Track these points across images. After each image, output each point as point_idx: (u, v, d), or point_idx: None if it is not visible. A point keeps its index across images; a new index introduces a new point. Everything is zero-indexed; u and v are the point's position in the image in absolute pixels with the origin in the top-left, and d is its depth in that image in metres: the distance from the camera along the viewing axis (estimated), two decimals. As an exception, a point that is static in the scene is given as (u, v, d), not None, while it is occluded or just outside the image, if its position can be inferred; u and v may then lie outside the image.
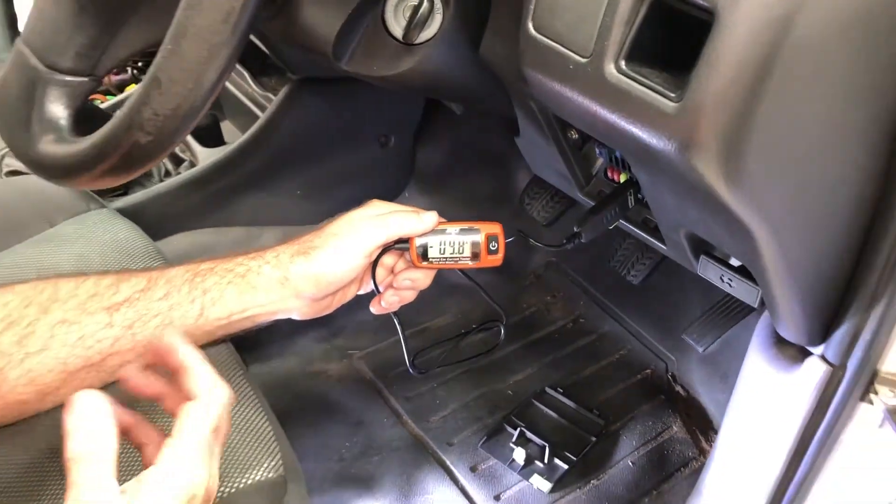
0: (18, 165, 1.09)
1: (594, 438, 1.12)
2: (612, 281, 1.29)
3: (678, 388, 1.20)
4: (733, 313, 1.09)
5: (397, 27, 0.66)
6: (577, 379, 1.23)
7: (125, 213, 0.96)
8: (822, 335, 0.74)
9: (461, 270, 0.81)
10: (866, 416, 0.78)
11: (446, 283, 1.09)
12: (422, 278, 0.78)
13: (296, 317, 0.76)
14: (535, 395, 1.18)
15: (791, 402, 0.80)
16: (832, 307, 0.71)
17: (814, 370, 0.76)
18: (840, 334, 0.72)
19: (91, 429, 0.48)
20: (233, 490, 0.64)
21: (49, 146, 0.58)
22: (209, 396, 0.54)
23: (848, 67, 0.52)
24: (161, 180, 1.16)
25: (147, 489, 0.49)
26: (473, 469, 1.09)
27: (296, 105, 1.14)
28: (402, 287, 0.78)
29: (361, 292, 0.80)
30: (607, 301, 1.31)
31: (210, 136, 1.21)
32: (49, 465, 0.64)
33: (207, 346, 0.74)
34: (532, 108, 0.75)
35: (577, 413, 1.16)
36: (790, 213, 0.59)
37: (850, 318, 0.70)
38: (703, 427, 1.15)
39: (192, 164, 1.17)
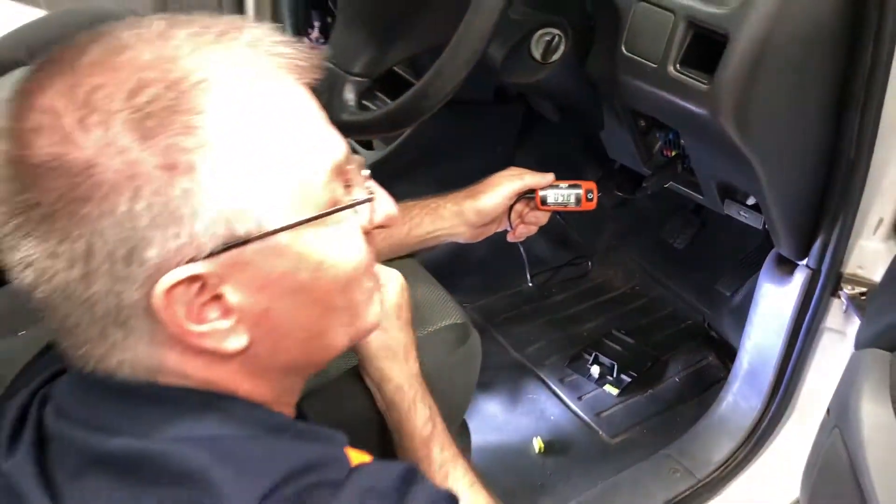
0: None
1: (650, 363, 1.52)
2: (660, 257, 1.71)
3: (712, 333, 1.60)
4: (752, 266, 1.49)
5: (537, 53, 1.10)
6: (635, 327, 1.63)
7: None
8: (806, 249, 1.14)
9: (560, 216, 1.22)
10: (837, 310, 1.18)
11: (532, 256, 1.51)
12: (542, 217, 1.19)
13: (461, 240, 1.18)
14: (604, 335, 1.59)
15: (786, 301, 1.20)
16: (811, 227, 1.12)
17: (800, 275, 1.16)
18: (816, 246, 1.12)
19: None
20: (439, 327, 1.05)
21: (347, 117, 1.02)
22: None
23: (804, 64, 0.94)
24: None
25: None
26: (561, 380, 1.50)
27: (430, 121, 1.59)
28: (529, 223, 1.20)
29: (499, 230, 1.22)
30: (657, 272, 1.72)
31: (367, 144, 1.67)
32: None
33: (405, 257, 1.16)
34: (615, 106, 1.18)
35: (637, 347, 1.56)
36: (778, 154, 1.01)
37: (821, 235, 1.11)
38: (731, 358, 1.53)
39: (358, 162, 1.62)
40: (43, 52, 0.54)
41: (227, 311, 0.54)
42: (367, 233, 0.64)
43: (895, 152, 1.03)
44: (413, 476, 0.60)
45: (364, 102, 1.06)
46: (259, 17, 1.45)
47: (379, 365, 0.88)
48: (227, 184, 0.51)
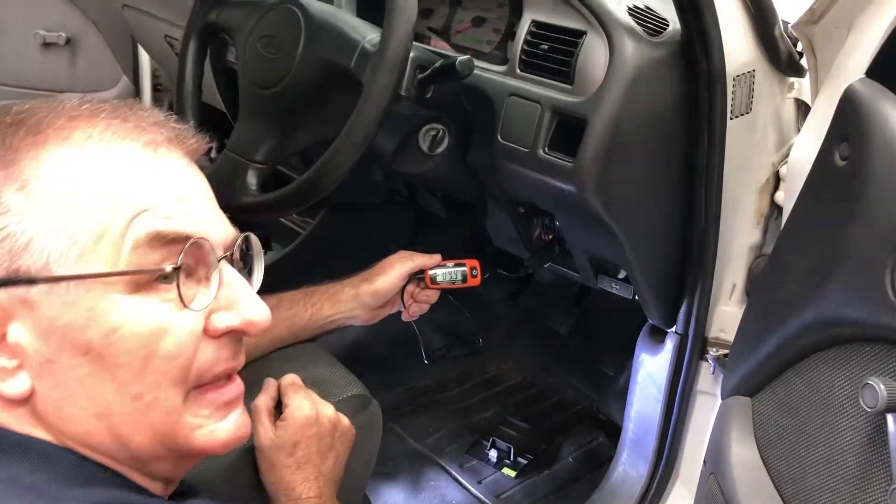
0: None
1: (544, 446, 1.58)
2: (548, 348, 1.80)
3: (600, 416, 1.69)
4: (632, 346, 1.60)
5: (424, 146, 1.21)
6: (529, 414, 1.70)
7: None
8: (673, 317, 1.26)
9: (452, 294, 1.30)
10: (706, 372, 1.29)
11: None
12: (432, 296, 1.27)
13: (357, 323, 1.23)
14: (500, 423, 1.65)
15: (660, 367, 1.30)
16: (675, 295, 1.24)
17: (670, 342, 1.27)
18: (681, 314, 1.24)
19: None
20: (340, 399, 1.09)
21: (249, 200, 1.09)
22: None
23: (652, 143, 1.08)
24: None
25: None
26: (461, 466, 1.54)
27: (327, 223, 1.68)
28: (421, 301, 1.27)
29: (393, 311, 1.28)
30: (546, 363, 1.81)
31: (265, 244, 1.73)
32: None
33: (308, 340, 1.21)
34: (496, 193, 1.30)
35: (531, 431, 1.62)
36: (639, 226, 1.13)
37: (685, 302, 1.23)
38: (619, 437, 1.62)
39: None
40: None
41: (12, 352, 0.55)
42: (220, 336, 0.60)
43: (739, 223, 1.18)
44: None
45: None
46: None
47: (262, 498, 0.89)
48: (20, 219, 0.54)
